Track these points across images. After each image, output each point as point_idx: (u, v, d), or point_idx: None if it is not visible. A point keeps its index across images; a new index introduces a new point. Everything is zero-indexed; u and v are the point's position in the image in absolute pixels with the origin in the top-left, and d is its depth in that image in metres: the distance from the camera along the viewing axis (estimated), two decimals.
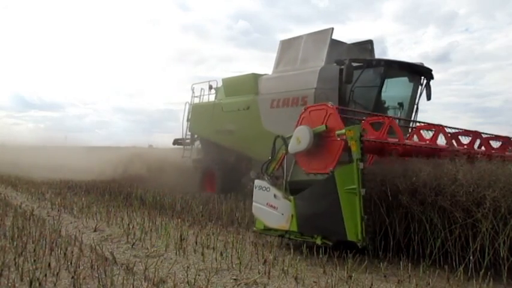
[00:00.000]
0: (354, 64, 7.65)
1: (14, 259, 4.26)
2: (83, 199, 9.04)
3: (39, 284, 3.66)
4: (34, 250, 4.68)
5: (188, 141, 12.43)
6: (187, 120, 12.28)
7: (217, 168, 10.56)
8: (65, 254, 4.57)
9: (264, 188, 5.38)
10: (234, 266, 4.35)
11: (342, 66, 7.83)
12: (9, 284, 3.64)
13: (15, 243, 4.95)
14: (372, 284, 3.80)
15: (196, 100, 12.25)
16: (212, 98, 11.83)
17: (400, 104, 8.35)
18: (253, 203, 5.51)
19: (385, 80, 7.93)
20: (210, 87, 11.68)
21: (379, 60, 8.00)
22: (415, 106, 8.50)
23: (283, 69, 9.26)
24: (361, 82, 7.79)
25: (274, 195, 5.19)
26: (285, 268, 4.22)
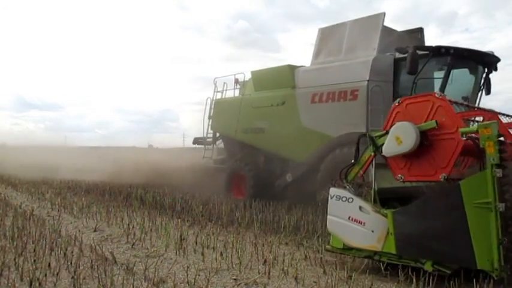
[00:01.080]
0: (419, 52, 6.71)
1: (14, 259, 4.26)
2: (83, 199, 9.04)
3: (39, 284, 3.66)
4: (34, 250, 4.68)
5: (210, 140, 11.37)
6: (209, 117, 11.21)
7: (247, 170, 9.40)
8: (65, 254, 4.57)
9: (344, 199, 4.41)
10: (234, 266, 4.35)
11: (401, 55, 7.00)
12: (9, 284, 3.64)
13: (15, 243, 4.95)
14: (371, 284, 3.79)
15: (219, 95, 11.19)
16: (236, 92, 10.95)
17: (465, 99, 7.15)
18: (329, 217, 4.55)
19: (452, 71, 6.95)
20: (236, 81, 10.67)
21: (448, 48, 6.92)
22: (478, 101, 7.54)
23: (324, 60, 8.33)
24: (425, 73, 6.89)
25: (360, 208, 4.27)
26: (285, 268, 4.21)
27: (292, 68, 8.81)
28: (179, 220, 6.87)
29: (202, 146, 11.64)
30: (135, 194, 9.61)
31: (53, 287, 3.69)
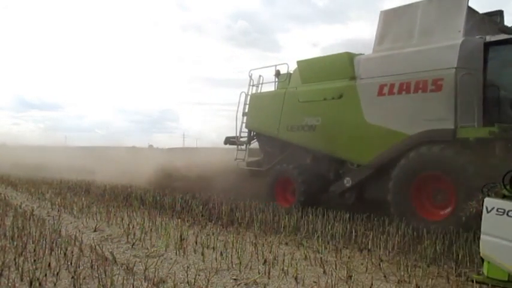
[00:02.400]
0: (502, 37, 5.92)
1: (14, 259, 4.26)
2: (83, 199, 9.04)
3: (39, 284, 3.66)
4: (34, 250, 4.68)
5: (243, 139, 10.10)
6: (243, 114, 9.96)
7: (297, 174, 8.10)
8: (65, 254, 4.57)
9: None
10: (234, 266, 4.35)
11: (493, 39, 6.20)
12: (9, 284, 3.65)
13: (15, 243, 4.96)
14: (372, 284, 3.79)
15: (255, 90, 10.01)
16: (272, 86, 9.83)
17: None
18: (484, 237, 3.67)
19: None
20: (277, 74, 9.45)
21: None
22: None
23: (392, 46, 7.13)
24: None
25: None
26: (285, 268, 4.21)
27: (350, 56, 7.67)
28: (179, 220, 6.87)
29: (235, 147, 10.40)
30: (135, 194, 9.61)
31: (53, 287, 3.69)
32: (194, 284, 3.74)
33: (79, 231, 5.99)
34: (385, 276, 4.07)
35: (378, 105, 7.06)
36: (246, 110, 9.92)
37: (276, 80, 9.47)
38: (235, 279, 3.98)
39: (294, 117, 8.48)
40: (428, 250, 4.64)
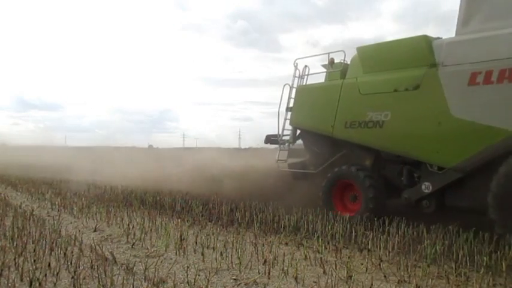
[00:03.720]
0: None
1: (14, 259, 4.27)
2: (83, 199, 9.04)
3: (39, 284, 3.66)
4: (34, 250, 4.68)
5: (287, 138, 8.97)
6: (287, 109, 8.83)
7: (363, 177, 6.96)
8: (65, 254, 4.58)
9: None
10: (234, 266, 4.35)
11: None
12: (9, 284, 3.65)
13: (15, 243, 4.96)
14: (372, 284, 3.79)
15: (299, 81, 8.88)
16: (319, 77, 8.67)
17: None
18: None
19: None
20: (332, 62, 8.24)
21: None
22: None
23: (483, 27, 6.03)
24: None
25: None
26: (285, 268, 4.22)
27: (428, 40, 6.56)
28: (179, 220, 6.87)
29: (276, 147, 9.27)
30: (135, 194, 9.62)
31: (53, 287, 3.69)
32: (194, 284, 3.74)
33: (79, 231, 5.99)
34: (385, 276, 4.07)
35: (468, 97, 5.95)
36: (291, 105, 8.72)
37: (330, 69, 8.20)
38: (235, 279, 3.98)
39: (354, 112, 7.33)
40: (428, 250, 4.64)
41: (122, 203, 8.56)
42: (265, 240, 5.53)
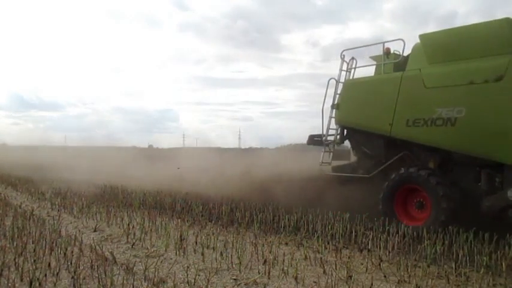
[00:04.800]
0: None
1: (14, 259, 4.26)
2: (83, 199, 9.04)
3: (39, 284, 3.66)
4: (34, 250, 4.68)
5: (331, 138, 8.05)
6: (333, 106, 7.92)
7: (435, 184, 6.01)
8: (65, 254, 4.57)
9: None
10: (234, 266, 4.35)
11: None
12: (9, 284, 3.65)
13: (15, 243, 4.95)
14: (372, 284, 3.79)
15: (345, 75, 7.95)
16: (368, 69, 7.88)
17: None
18: None
19: None
20: (388, 53, 7.28)
21: None
22: None
23: None
24: None
25: None
26: (285, 268, 4.21)
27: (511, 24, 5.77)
28: (179, 220, 6.87)
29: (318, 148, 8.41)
30: (135, 194, 9.61)
31: (53, 287, 3.69)
32: (194, 284, 3.74)
33: (79, 231, 5.99)
34: (385, 276, 4.07)
35: None
36: (337, 101, 7.85)
37: (386, 60, 7.24)
38: (235, 279, 3.98)
39: (418, 108, 6.46)
40: (428, 250, 4.64)
41: (122, 203, 8.56)
42: (265, 240, 5.53)
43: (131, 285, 3.64)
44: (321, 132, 8.20)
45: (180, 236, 5.34)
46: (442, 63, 6.35)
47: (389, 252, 4.88)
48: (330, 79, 7.99)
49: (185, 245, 5.07)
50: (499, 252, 4.60)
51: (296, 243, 5.42)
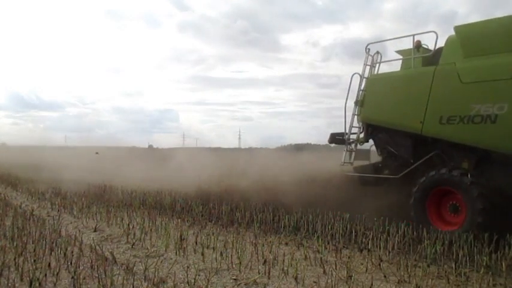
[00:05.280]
0: None
1: (14, 259, 4.26)
2: (83, 199, 9.04)
3: (39, 284, 3.66)
4: (34, 250, 4.68)
5: (354, 136, 7.66)
6: (357, 103, 7.51)
7: (469, 184, 5.62)
8: (65, 254, 4.57)
9: None
10: (234, 266, 4.35)
11: None
12: (9, 284, 3.65)
13: (15, 243, 4.95)
14: (372, 284, 3.79)
15: (370, 70, 7.55)
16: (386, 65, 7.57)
17: None
18: None
19: None
20: (419, 46, 6.83)
21: None
22: None
23: None
24: None
25: None
26: (285, 268, 4.21)
27: None
28: (179, 220, 6.87)
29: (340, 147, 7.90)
30: (135, 194, 9.61)
31: (53, 287, 3.69)
32: (194, 284, 3.74)
33: (79, 231, 6.00)
34: (385, 276, 4.07)
35: None
36: (362, 98, 7.41)
37: (416, 54, 6.81)
38: (235, 279, 3.98)
39: (453, 105, 6.08)
40: (428, 250, 4.65)
41: (122, 203, 8.55)
42: (265, 240, 5.53)
43: (131, 285, 3.64)
44: (341, 130, 7.83)
45: (180, 236, 5.34)
46: (480, 57, 5.95)
47: (389, 252, 4.89)
48: (354, 74, 7.51)
49: (185, 245, 5.07)
50: (499, 252, 4.59)
51: (296, 243, 5.42)
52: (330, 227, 5.93)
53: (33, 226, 5.99)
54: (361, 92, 7.47)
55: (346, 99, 7.57)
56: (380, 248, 5.01)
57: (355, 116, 7.59)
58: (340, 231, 5.70)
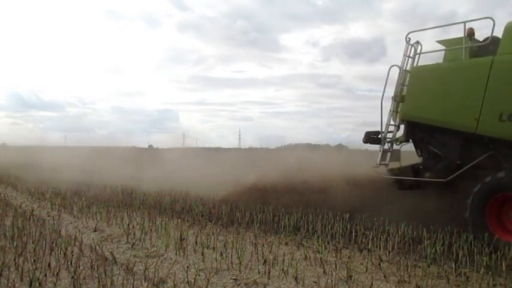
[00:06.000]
0: None
1: (14, 259, 4.26)
2: (83, 199, 9.04)
3: (39, 284, 3.66)
4: (34, 250, 4.68)
5: (391, 135, 6.85)
6: (395, 98, 6.68)
7: None
8: (65, 254, 4.57)
9: None
10: (234, 266, 4.35)
11: None
12: (9, 284, 3.65)
13: (15, 243, 4.95)
14: (372, 284, 3.79)
15: (410, 62, 6.76)
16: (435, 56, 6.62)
17: None
18: None
19: None
20: (471, 34, 6.13)
21: None
22: None
23: None
24: None
25: None
26: (285, 268, 4.21)
27: None
28: (179, 220, 6.87)
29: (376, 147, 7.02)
30: (135, 194, 9.61)
31: (53, 287, 3.69)
32: (194, 284, 3.74)
33: (79, 231, 6.00)
34: (385, 276, 4.07)
35: None
36: (402, 93, 6.68)
37: (468, 43, 6.12)
38: (235, 279, 3.98)
39: None
40: (428, 250, 4.64)
41: (122, 203, 8.55)
42: (265, 240, 5.53)
43: (131, 285, 3.64)
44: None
45: (180, 236, 5.34)
46: None
47: (389, 252, 4.89)
48: (392, 66, 6.73)
49: (185, 245, 5.07)
50: (499, 252, 4.59)
51: (296, 243, 5.42)
52: (330, 227, 5.93)
53: (33, 226, 5.99)
54: (400, 86, 6.69)
55: (383, 94, 6.78)
56: (380, 248, 5.02)
57: (393, 113, 6.79)
58: (340, 231, 5.70)
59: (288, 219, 6.41)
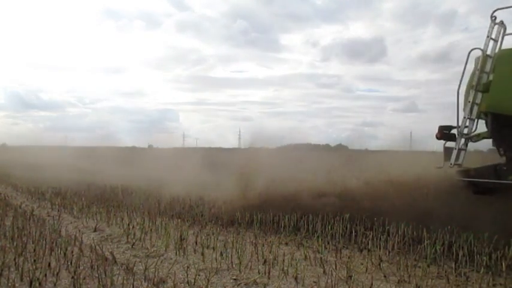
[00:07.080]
0: None
1: (14, 259, 4.26)
2: (83, 199, 9.04)
3: (39, 284, 3.66)
4: (34, 250, 4.68)
5: (467, 130, 5.88)
6: (476, 88, 5.74)
7: None
8: (65, 254, 4.57)
9: None
10: (234, 266, 4.35)
11: None
12: (9, 284, 3.65)
13: (15, 243, 4.95)
14: (372, 284, 3.79)
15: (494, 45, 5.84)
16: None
17: None
18: None
19: None
20: None
21: None
22: None
23: None
24: None
25: None
26: (285, 268, 4.21)
27: None
28: (179, 220, 6.87)
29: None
30: (135, 194, 9.61)
31: (53, 287, 3.69)
32: (194, 284, 3.74)
33: (79, 231, 5.99)
34: (385, 276, 4.07)
35: None
36: (486, 81, 5.69)
37: None
38: (235, 279, 3.98)
39: None
40: (428, 250, 4.64)
41: (122, 203, 8.55)
42: (265, 240, 5.53)
43: (131, 285, 3.64)
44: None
45: (180, 236, 5.34)
46: None
47: (389, 252, 4.89)
48: (473, 49, 5.76)
49: (185, 245, 5.07)
50: (499, 252, 4.59)
51: (296, 243, 5.42)
52: (330, 227, 5.92)
53: (33, 226, 5.99)
54: (483, 74, 5.73)
55: (460, 83, 5.82)
56: (380, 248, 5.02)
57: (473, 105, 5.84)
58: (340, 231, 5.70)
59: (288, 219, 6.41)
